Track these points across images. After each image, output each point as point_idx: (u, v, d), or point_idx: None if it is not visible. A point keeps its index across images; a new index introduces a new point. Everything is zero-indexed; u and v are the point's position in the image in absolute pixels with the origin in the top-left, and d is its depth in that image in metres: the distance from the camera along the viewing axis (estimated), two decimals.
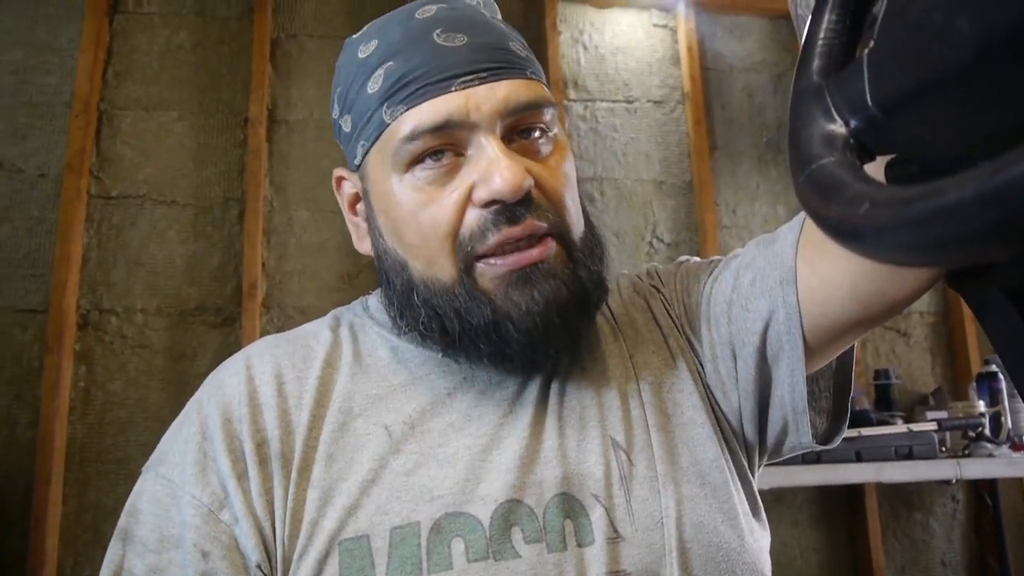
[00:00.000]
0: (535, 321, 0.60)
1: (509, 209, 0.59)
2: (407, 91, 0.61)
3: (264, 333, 2.16)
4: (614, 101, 2.60)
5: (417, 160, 0.61)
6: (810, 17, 0.36)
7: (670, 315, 0.72)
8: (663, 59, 2.67)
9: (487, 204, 0.59)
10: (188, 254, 2.21)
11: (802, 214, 0.64)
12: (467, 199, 0.60)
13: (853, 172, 0.27)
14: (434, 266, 0.62)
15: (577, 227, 0.64)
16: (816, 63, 0.34)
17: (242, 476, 0.61)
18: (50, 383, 2.01)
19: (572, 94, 2.56)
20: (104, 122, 2.24)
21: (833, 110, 0.31)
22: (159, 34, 2.34)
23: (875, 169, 0.38)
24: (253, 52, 2.34)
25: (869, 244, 0.24)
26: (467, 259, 0.61)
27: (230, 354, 0.72)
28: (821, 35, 0.35)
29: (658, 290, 0.74)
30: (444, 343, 0.64)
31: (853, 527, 2.40)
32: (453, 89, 0.60)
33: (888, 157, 0.41)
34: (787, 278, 0.62)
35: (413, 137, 0.60)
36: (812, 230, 0.61)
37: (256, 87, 2.31)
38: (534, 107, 0.62)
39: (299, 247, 2.28)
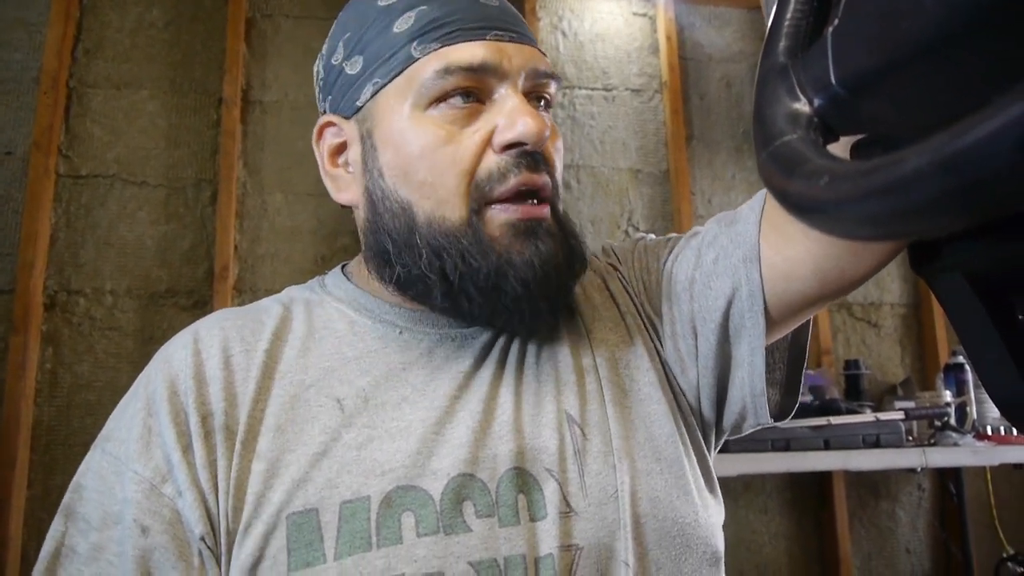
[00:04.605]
0: (535, 272, 0.61)
1: (530, 155, 0.61)
2: (442, 31, 0.63)
3: None
4: (592, 89, 2.59)
5: (442, 99, 0.62)
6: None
7: (628, 293, 0.73)
8: (642, 48, 2.66)
9: (508, 147, 0.61)
10: (159, 235, 2.18)
11: (762, 192, 0.65)
12: (487, 142, 0.62)
13: (815, 148, 0.27)
14: (444, 205, 0.62)
15: (561, 203, 0.67)
16: (782, 43, 0.34)
17: (187, 449, 0.60)
18: (16, 365, 1.98)
19: None
20: (73, 100, 2.20)
21: (798, 89, 0.31)
22: (131, 10, 2.29)
23: (840, 150, 0.38)
24: (228, 31, 2.30)
25: (830, 218, 0.24)
26: (480, 201, 0.61)
27: None
28: (788, 15, 0.35)
29: (615, 268, 0.75)
30: (443, 290, 0.63)
31: (821, 515, 2.43)
32: (487, 38, 0.63)
33: (853, 138, 0.42)
34: (750, 256, 0.63)
35: (448, 72, 0.61)
36: (774, 209, 0.62)
37: (230, 67, 2.28)
38: (551, 77, 0.66)
39: (272, 230, 2.26)
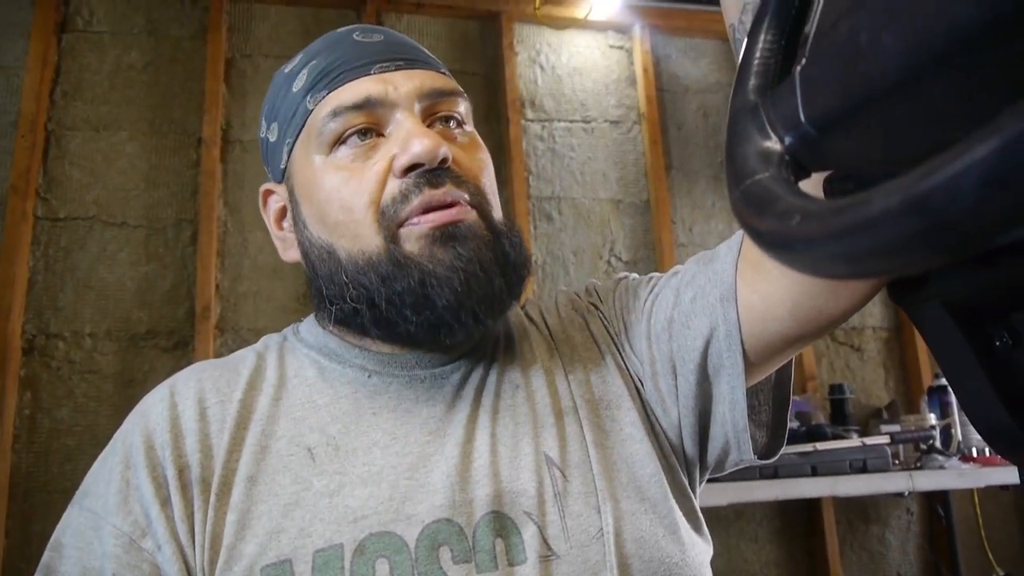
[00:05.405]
0: (460, 277, 0.61)
1: (429, 173, 0.62)
2: (329, 78, 0.65)
3: (218, 356, 2.12)
4: (571, 121, 2.62)
5: (341, 140, 0.64)
6: (747, 37, 0.37)
7: (609, 332, 0.72)
8: (619, 80, 2.70)
9: (407, 171, 0.62)
10: (139, 276, 2.16)
11: (741, 231, 0.65)
12: (388, 171, 0.63)
13: (787, 187, 0.27)
14: (359, 239, 0.63)
15: (496, 210, 0.67)
16: (752, 82, 0.34)
17: (165, 502, 0.59)
18: None
19: (530, 114, 2.57)
20: (52, 142, 2.19)
21: (768, 127, 0.31)
22: (109, 53, 2.30)
23: (813, 186, 0.38)
24: (207, 72, 2.31)
25: (801, 256, 0.25)
26: (390, 226, 0.62)
27: None
28: (757, 54, 0.35)
29: (596, 307, 0.75)
30: (373, 317, 0.63)
31: (811, 541, 2.42)
32: (372, 72, 0.65)
33: (826, 173, 0.42)
34: (727, 296, 0.63)
35: (336, 114, 0.63)
36: (751, 248, 0.62)
37: (210, 107, 2.28)
38: (448, 94, 0.67)
39: (254, 268, 2.25)
